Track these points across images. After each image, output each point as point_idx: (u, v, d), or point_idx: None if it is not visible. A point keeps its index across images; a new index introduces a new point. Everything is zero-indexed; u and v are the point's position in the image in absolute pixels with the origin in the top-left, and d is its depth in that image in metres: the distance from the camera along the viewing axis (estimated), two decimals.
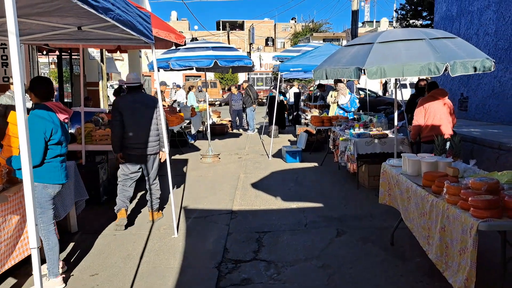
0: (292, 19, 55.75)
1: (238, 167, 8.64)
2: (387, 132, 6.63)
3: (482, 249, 3.64)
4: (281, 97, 14.46)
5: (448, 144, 4.13)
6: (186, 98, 16.32)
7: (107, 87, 15.99)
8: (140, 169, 5.12)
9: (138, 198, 6.30)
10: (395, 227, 4.30)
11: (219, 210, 5.69)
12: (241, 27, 54.20)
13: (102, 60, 13.54)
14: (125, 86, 5.64)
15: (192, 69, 10.25)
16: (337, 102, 9.24)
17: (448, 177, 3.20)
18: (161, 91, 12.38)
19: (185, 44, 5.92)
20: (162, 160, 5.18)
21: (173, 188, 6.23)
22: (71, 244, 4.50)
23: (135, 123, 4.89)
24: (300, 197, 6.25)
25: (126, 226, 4.97)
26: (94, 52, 13.17)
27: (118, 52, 12.28)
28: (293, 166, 8.52)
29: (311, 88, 27.52)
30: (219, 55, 8.30)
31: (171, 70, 8.50)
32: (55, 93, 7.34)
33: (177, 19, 55.22)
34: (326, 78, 5.67)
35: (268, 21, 53.93)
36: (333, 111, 9.29)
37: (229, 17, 65.68)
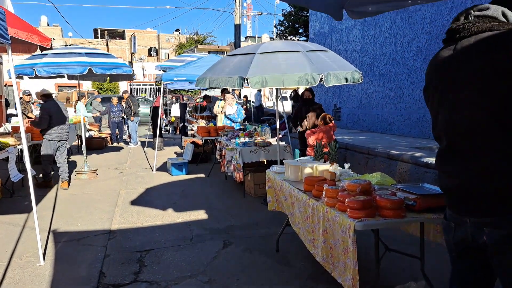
0: (176, 30, 55.22)
1: (119, 182, 8.03)
2: (270, 140, 6.79)
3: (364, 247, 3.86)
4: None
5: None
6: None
7: None
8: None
9: None
10: (279, 233, 4.35)
11: (95, 231, 5.14)
12: (121, 36, 51.74)
13: None
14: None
15: (64, 77, 9.35)
16: (225, 112, 9.24)
17: (326, 181, 3.31)
18: (27, 101, 10.99)
19: (51, 48, 5.27)
20: None
21: (39, 209, 5.47)
22: None
23: (61, 119, 7.29)
24: (186, 211, 6.01)
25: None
26: None
27: None
28: (179, 178, 8.24)
29: (198, 100, 27.47)
30: (94, 61, 7.65)
31: (37, 77, 7.57)
32: None
33: (48, 25, 50.47)
34: (209, 87, 5.59)
35: (151, 31, 52.48)
36: (221, 121, 9.27)
37: (108, 25, 62.29)
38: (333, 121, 6.78)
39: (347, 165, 3.83)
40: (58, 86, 34.99)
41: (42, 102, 7.65)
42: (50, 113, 7.11)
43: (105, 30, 50.08)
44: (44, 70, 7.32)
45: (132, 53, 37.15)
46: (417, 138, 7.84)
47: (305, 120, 7.49)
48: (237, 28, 19.93)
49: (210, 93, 16.72)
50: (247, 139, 6.81)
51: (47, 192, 7.29)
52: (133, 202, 6.52)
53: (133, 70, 8.26)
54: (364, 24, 9.90)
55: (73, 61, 7.57)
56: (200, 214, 5.82)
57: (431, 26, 7.62)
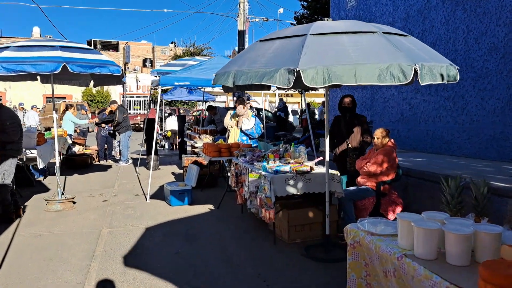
0: (171, 43, 53.68)
1: (101, 216, 6.09)
2: (309, 164, 4.92)
3: None
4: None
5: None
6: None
7: None
8: None
9: None
10: None
11: None
12: (115, 48, 50.03)
13: None
14: None
15: (36, 79, 7.47)
16: (241, 127, 7.37)
17: None
18: None
19: None
20: None
21: None
22: None
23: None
24: (195, 268, 4.10)
25: None
26: None
27: None
28: (180, 211, 6.32)
29: (195, 113, 25.52)
30: (70, 57, 5.79)
31: None
32: None
33: (40, 36, 48.71)
34: (233, 85, 3.75)
35: (146, 43, 50.88)
36: (235, 137, 7.37)
37: (103, 37, 60.11)
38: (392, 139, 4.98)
39: None
40: (47, 97, 32.98)
41: None
42: (18, 121, 5.88)
43: (99, 41, 48.37)
44: (2, 67, 5.42)
45: (125, 63, 35.38)
46: (494, 162, 6.01)
47: (345, 141, 5.67)
48: (241, 34, 18.26)
49: (214, 104, 14.84)
50: (277, 163, 4.94)
51: (3, 230, 5.36)
52: (118, 251, 4.59)
53: (122, 70, 6.39)
54: (407, 21, 8.18)
55: (42, 56, 5.70)
56: (217, 276, 3.92)
57: None
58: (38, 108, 21.06)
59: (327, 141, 4.35)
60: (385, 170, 4.74)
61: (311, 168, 4.73)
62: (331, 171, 4.58)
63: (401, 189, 5.29)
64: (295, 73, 3.17)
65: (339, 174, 4.73)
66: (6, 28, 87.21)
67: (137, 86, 35.61)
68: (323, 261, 4.19)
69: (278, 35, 3.83)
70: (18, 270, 4.06)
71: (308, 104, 21.57)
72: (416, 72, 3.18)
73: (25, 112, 17.38)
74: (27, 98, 28.14)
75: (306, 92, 18.45)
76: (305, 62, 3.20)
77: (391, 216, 4.71)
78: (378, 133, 4.88)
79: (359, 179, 4.99)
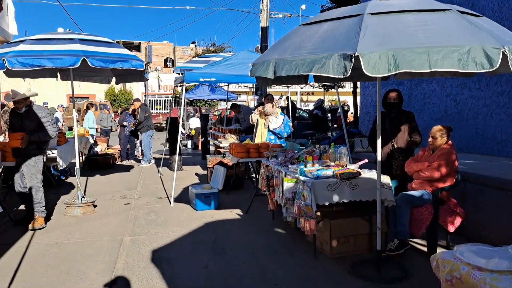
0: (192, 43, 53.66)
1: (123, 221, 5.66)
2: (353, 167, 4.33)
3: None
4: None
5: None
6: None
7: None
8: None
9: None
10: None
11: None
12: (137, 48, 50.27)
13: None
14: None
15: (56, 75, 7.13)
16: (268, 126, 6.83)
17: None
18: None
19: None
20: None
21: None
22: None
23: None
24: (226, 285, 3.59)
25: None
26: None
27: None
28: (207, 216, 5.83)
29: (215, 113, 25.09)
30: (90, 51, 5.38)
31: (8, 71, 5.35)
32: None
33: None
34: (274, 77, 3.20)
35: (167, 43, 51.03)
36: (263, 136, 6.83)
37: (125, 38, 60.44)
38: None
39: None
40: (70, 97, 33.25)
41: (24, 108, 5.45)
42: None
43: (121, 42, 48.64)
44: (18, 61, 5.05)
45: (147, 63, 35.31)
46: None
47: (391, 141, 5.04)
48: (264, 30, 17.70)
49: (238, 102, 14.35)
50: (317, 166, 4.38)
51: (20, 236, 4.99)
52: (141, 263, 4.12)
53: (145, 65, 5.94)
54: None
55: (61, 50, 5.31)
56: None
57: None
58: (63, 108, 21.11)
59: (379, 141, 3.77)
60: (445, 175, 4.14)
61: (358, 173, 4.15)
62: (383, 178, 3.99)
63: (458, 196, 4.65)
64: (352, 59, 2.62)
65: (390, 179, 4.14)
66: (31, 30, 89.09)
67: (159, 85, 35.52)
68: (376, 282, 3.61)
69: (326, 17, 3.27)
70: (31, 283, 3.63)
71: (322, 101, 20.82)
72: (505, 56, 2.58)
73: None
74: (50, 98, 28.29)
75: (332, 90, 17.70)
76: (365, 46, 2.64)
77: (451, 228, 4.10)
78: (436, 131, 4.29)
79: (414, 185, 4.39)
